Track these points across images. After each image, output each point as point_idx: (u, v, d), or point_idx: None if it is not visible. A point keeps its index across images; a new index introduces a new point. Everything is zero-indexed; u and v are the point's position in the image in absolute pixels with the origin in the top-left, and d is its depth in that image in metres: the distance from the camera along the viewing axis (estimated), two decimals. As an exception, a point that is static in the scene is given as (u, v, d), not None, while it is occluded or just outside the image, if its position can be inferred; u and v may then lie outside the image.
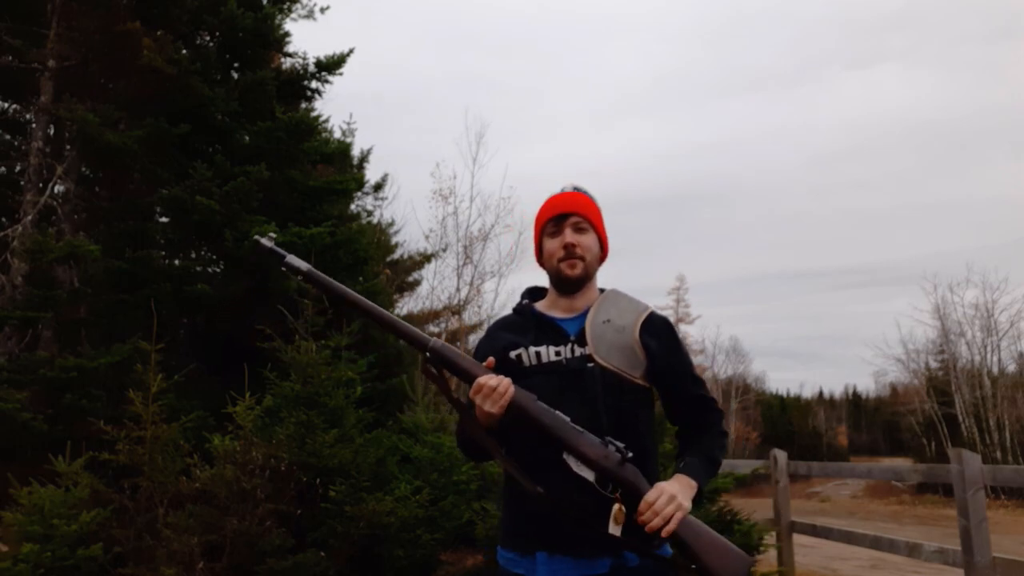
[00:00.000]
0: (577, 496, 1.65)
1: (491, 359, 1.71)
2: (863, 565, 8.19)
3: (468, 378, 1.69)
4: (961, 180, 62.34)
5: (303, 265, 1.77)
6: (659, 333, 1.86)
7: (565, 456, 1.65)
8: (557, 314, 1.89)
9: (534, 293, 2.01)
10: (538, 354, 1.81)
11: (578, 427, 1.66)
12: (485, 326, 13.28)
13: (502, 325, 1.95)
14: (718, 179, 67.55)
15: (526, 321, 1.90)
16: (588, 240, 1.87)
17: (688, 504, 1.64)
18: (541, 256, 1.94)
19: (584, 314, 1.86)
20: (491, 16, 63.05)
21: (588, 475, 1.64)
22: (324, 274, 1.80)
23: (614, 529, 1.63)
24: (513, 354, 1.82)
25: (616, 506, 1.64)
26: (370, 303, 1.77)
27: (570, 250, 1.84)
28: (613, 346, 1.79)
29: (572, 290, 1.88)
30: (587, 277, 1.88)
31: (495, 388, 1.64)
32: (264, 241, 1.79)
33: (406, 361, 8.05)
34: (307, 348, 4.62)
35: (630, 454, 1.65)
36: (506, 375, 1.76)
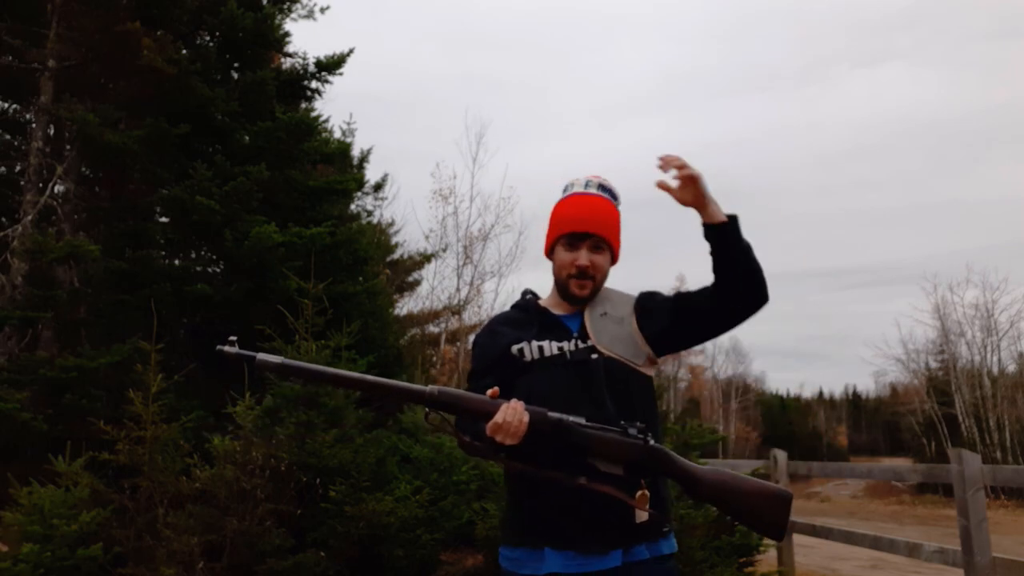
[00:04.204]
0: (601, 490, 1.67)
1: (495, 389, 1.67)
2: (863, 565, 8.18)
3: (478, 416, 1.65)
4: (966, 180, 62.41)
5: (275, 359, 1.70)
6: (646, 305, 1.91)
7: (590, 460, 1.65)
8: (558, 311, 1.92)
9: (534, 294, 2.03)
10: (540, 348, 1.82)
11: (594, 425, 1.66)
12: (485, 326, 13.26)
13: (503, 320, 1.96)
14: (723, 178, 67.18)
15: (529, 316, 1.92)
16: (602, 259, 1.88)
17: (708, 193, 1.73)
18: (551, 256, 1.94)
19: (581, 311, 1.89)
20: (496, 15, 63.07)
21: (617, 470, 1.65)
22: (299, 361, 1.75)
23: (641, 516, 1.68)
24: (515, 349, 1.83)
25: (640, 492, 1.67)
26: (355, 375, 1.73)
27: (583, 271, 1.84)
28: (615, 337, 1.83)
29: (576, 304, 1.90)
30: (595, 294, 1.89)
31: (511, 423, 1.61)
32: (228, 349, 1.68)
33: (406, 361, 8.06)
34: (307, 348, 4.62)
35: (651, 437, 1.67)
36: (508, 371, 1.80)
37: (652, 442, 1.67)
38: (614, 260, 1.93)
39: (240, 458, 4.13)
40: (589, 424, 1.65)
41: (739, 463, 9.98)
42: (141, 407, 4.05)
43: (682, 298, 1.90)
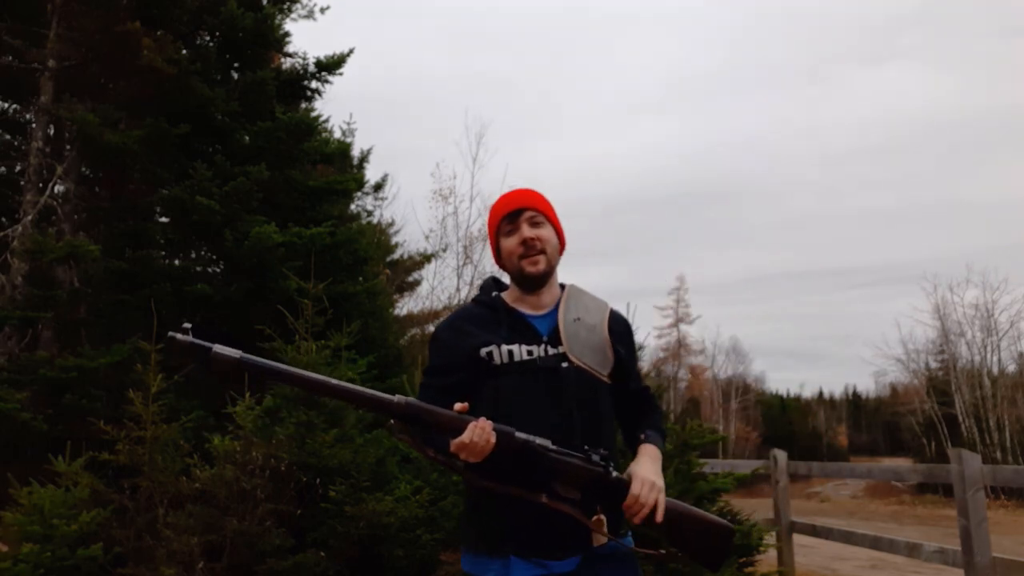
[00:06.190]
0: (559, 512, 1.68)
1: (465, 404, 1.63)
2: (863, 565, 8.19)
3: (445, 431, 1.61)
4: (968, 180, 62.31)
5: (234, 353, 1.57)
6: (623, 334, 1.92)
7: (552, 484, 1.65)
8: (526, 311, 1.87)
9: (498, 283, 1.98)
10: (510, 352, 1.78)
11: (560, 449, 1.66)
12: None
13: (468, 318, 1.89)
14: (728, 178, 67.31)
15: (497, 316, 1.85)
16: (546, 233, 1.85)
17: (662, 481, 1.72)
18: (500, 256, 1.91)
19: (552, 312, 1.86)
20: (499, 15, 62.99)
21: (575, 495, 1.66)
22: (258, 357, 1.62)
23: (597, 540, 1.70)
24: (484, 351, 1.78)
25: (595, 517, 1.68)
26: (318, 378, 1.64)
27: (530, 244, 1.82)
28: (587, 345, 1.81)
29: (536, 287, 1.86)
30: (550, 271, 1.86)
31: (478, 443, 1.57)
32: (180, 337, 1.55)
33: (406, 361, 8.05)
34: (307, 348, 4.61)
35: (612, 466, 1.69)
36: (476, 374, 1.77)
37: (614, 473, 1.68)
38: (561, 242, 1.91)
39: (240, 458, 4.13)
40: (554, 448, 1.64)
41: (739, 463, 9.98)
42: (141, 407, 4.05)
43: (618, 386, 1.88)
